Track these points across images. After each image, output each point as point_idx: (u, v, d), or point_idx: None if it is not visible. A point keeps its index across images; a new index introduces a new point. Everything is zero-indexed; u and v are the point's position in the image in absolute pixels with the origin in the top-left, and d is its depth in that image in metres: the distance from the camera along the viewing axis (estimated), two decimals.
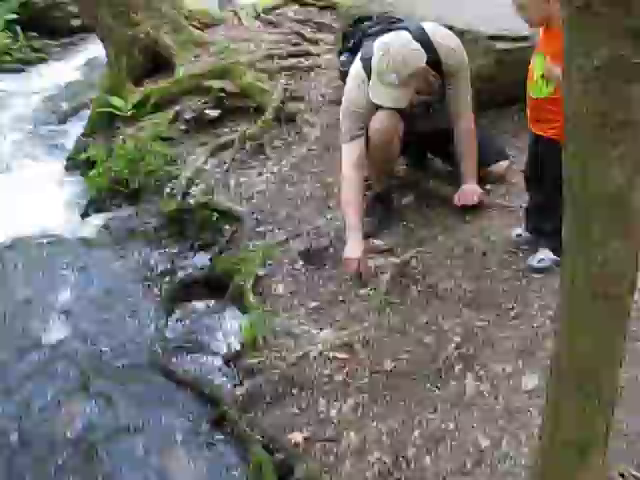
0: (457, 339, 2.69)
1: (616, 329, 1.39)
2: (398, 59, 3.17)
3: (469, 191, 3.48)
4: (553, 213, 2.88)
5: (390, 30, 3.42)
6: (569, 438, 1.49)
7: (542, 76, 2.78)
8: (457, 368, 2.55)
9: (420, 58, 3.23)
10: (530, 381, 2.37)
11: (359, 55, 3.47)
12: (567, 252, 1.40)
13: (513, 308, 2.76)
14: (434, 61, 3.33)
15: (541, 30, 2.81)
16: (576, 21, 1.21)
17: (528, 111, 2.96)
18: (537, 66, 2.79)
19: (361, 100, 3.40)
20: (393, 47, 3.20)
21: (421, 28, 3.39)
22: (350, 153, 3.47)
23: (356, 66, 3.45)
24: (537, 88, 2.82)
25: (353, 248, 3.29)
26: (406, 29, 3.35)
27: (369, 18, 3.81)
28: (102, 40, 6.40)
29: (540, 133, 2.89)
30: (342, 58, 3.84)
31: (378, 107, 3.37)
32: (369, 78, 3.34)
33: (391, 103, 3.28)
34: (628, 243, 1.29)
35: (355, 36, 3.71)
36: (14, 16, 10.46)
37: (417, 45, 3.22)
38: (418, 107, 3.52)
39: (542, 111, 2.83)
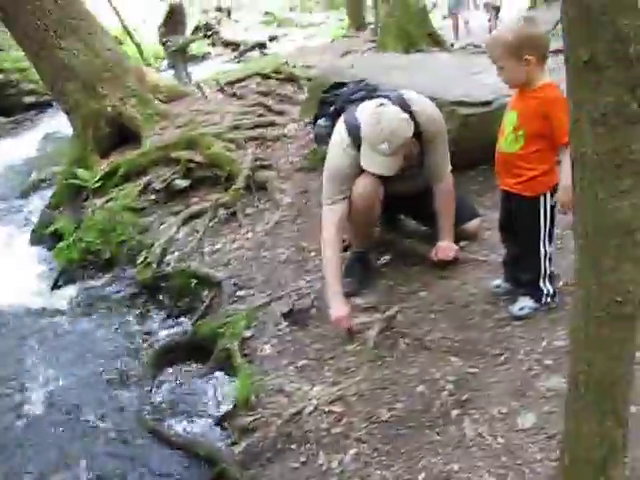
0: (450, 386, 2.77)
1: (629, 346, 1.52)
2: (390, 129, 3.28)
3: (446, 247, 3.63)
4: (529, 263, 3.06)
5: (372, 97, 3.60)
6: (589, 454, 1.59)
7: (512, 131, 2.95)
8: (454, 413, 2.62)
9: (409, 129, 3.35)
10: (526, 420, 2.46)
11: (342, 120, 3.57)
12: (580, 279, 1.53)
13: (500, 354, 2.86)
14: (414, 129, 3.41)
15: (516, 90, 2.99)
16: (583, 73, 1.37)
17: (497, 166, 3.08)
18: (509, 122, 2.96)
19: (345, 165, 3.49)
20: (385, 118, 3.31)
21: (401, 96, 3.53)
22: (332, 215, 3.53)
23: (340, 131, 3.54)
24: (507, 143, 2.98)
25: (339, 307, 3.37)
26: (387, 97, 3.50)
27: (344, 84, 4.00)
28: (67, 113, 6.52)
29: (508, 188, 3.05)
30: (320, 122, 3.97)
31: (361, 172, 3.47)
32: (354, 143, 3.44)
33: (384, 171, 3.38)
34: (637, 266, 1.44)
35: (337, 102, 3.85)
36: None
37: (406, 116, 3.35)
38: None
39: (512, 166, 2.97)
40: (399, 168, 3.41)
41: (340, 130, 3.55)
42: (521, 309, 3.07)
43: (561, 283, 3.11)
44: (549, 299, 3.03)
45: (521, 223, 3.04)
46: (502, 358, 2.85)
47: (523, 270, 3.10)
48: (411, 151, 3.49)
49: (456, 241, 3.71)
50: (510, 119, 2.96)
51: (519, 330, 2.97)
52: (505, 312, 3.12)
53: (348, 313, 3.36)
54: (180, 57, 9.87)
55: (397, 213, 4.13)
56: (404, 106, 3.45)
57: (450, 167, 3.67)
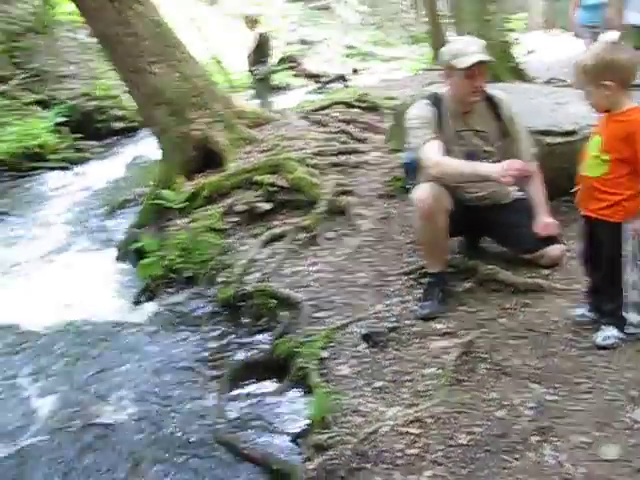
0: (530, 413, 2.72)
1: None
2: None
3: (547, 224, 3.75)
4: (613, 292, 2.99)
5: None
6: None
7: (596, 156, 2.92)
8: (533, 440, 2.57)
9: None
10: (610, 451, 2.39)
11: None
12: None
13: (583, 383, 2.80)
14: (494, 106, 3.82)
15: (602, 114, 2.97)
16: None
17: (579, 192, 3.07)
18: (593, 146, 2.94)
19: (428, 113, 3.75)
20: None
21: None
22: (431, 150, 3.67)
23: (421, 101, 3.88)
24: (591, 167, 2.95)
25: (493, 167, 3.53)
26: None
27: None
28: (156, 136, 6.73)
29: (591, 214, 3.01)
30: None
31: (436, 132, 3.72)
32: (433, 103, 3.79)
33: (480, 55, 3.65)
34: None
35: None
36: (64, 119, 11.05)
37: None
38: (467, 158, 3.76)
39: (594, 190, 2.95)
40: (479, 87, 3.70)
41: (421, 102, 3.87)
42: (605, 339, 3.01)
43: None
44: (634, 329, 2.96)
45: (604, 250, 2.99)
46: (585, 387, 2.79)
47: (606, 299, 3.05)
48: (480, 87, 3.74)
49: (539, 267, 3.70)
50: (594, 143, 2.94)
51: (603, 360, 2.91)
52: (588, 341, 3.06)
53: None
54: (265, 86, 10.12)
55: (477, 234, 4.14)
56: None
57: (535, 153, 3.82)
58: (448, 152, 3.69)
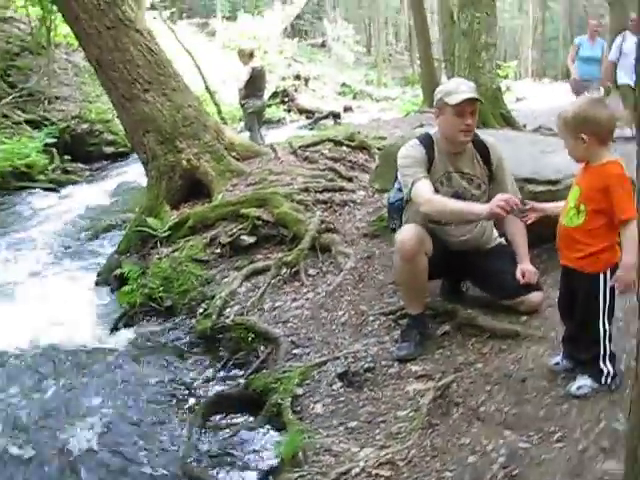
0: (501, 459, 2.70)
1: None
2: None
3: (528, 271, 3.73)
4: (588, 341, 3.00)
5: None
6: None
7: (574, 206, 2.96)
8: None
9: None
10: None
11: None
12: None
13: (556, 432, 2.79)
14: (483, 152, 3.87)
15: (582, 165, 3.03)
16: None
17: (559, 241, 3.09)
18: (572, 196, 2.98)
19: (417, 154, 3.80)
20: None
21: None
22: (423, 188, 3.70)
23: (412, 140, 3.93)
24: (569, 217, 2.99)
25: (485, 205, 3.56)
26: None
27: None
28: (144, 163, 6.75)
29: (568, 263, 3.04)
30: (391, 195, 4.11)
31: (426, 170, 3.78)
32: (423, 143, 3.84)
33: (468, 93, 3.70)
34: None
35: None
36: (54, 140, 11.07)
37: None
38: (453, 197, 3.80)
39: (571, 240, 2.98)
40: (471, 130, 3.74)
41: (412, 141, 3.91)
42: (579, 388, 3.00)
43: (622, 365, 3.03)
44: (609, 380, 2.96)
45: (580, 299, 3.01)
46: (557, 436, 2.78)
47: (582, 348, 3.05)
48: (471, 127, 3.74)
49: (517, 314, 3.72)
50: (573, 194, 2.99)
51: (576, 409, 2.90)
52: (563, 390, 3.05)
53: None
54: (257, 119, 10.20)
55: (459, 277, 4.16)
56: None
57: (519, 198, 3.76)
58: (436, 192, 3.73)
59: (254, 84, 10.03)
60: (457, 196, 3.79)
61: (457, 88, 3.72)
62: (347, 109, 20.77)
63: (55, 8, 9.95)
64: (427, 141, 3.84)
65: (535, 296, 3.81)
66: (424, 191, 3.68)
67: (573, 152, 2.97)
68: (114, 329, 5.24)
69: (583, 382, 3.02)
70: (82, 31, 6.45)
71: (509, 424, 2.94)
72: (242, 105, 10.24)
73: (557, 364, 3.23)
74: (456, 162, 3.84)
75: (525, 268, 3.74)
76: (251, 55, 10.27)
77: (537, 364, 3.32)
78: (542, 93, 22.02)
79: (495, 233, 4.06)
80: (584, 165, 3.00)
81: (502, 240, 4.04)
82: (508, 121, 8.94)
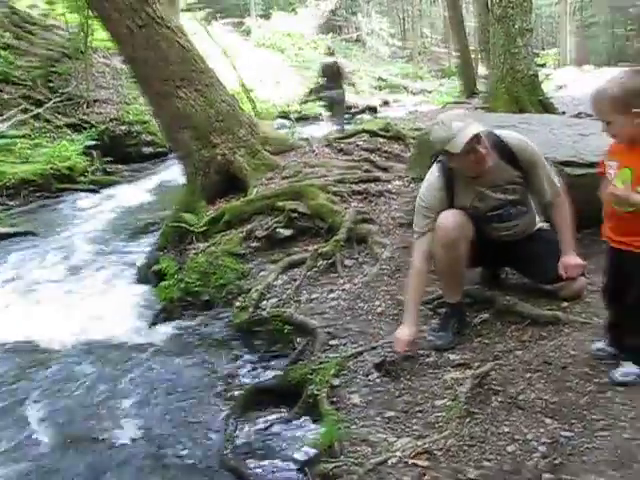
0: (542, 449, 2.63)
1: None
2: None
3: (572, 264, 3.60)
4: (635, 327, 2.90)
5: None
6: None
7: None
8: (545, 477, 2.48)
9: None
10: None
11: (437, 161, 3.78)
12: None
13: (600, 420, 2.71)
14: (510, 157, 3.64)
15: (619, 145, 2.87)
16: None
17: (607, 224, 2.96)
18: (621, 179, 2.79)
19: (435, 195, 3.67)
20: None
21: (490, 131, 3.71)
22: (419, 246, 3.67)
23: (433, 170, 3.74)
24: (622, 201, 2.82)
25: (403, 330, 3.57)
26: None
27: None
28: (181, 159, 6.78)
29: (621, 246, 2.91)
30: None
31: (447, 208, 3.63)
32: (444, 180, 3.66)
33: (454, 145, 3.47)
34: None
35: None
36: (94, 142, 11.24)
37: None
38: (494, 210, 3.67)
39: (627, 223, 2.83)
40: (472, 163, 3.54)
41: (433, 169, 3.72)
42: (624, 375, 2.91)
43: None
44: None
45: (634, 282, 2.88)
46: (601, 424, 2.69)
47: (627, 334, 2.95)
48: (483, 156, 3.55)
49: (559, 299, 3.62)
50: (623, 177, 2.80)
51: (621, 396, 2.82)
52: (607, 377, 2.96)
53: (410, 338, 3.53)
54: (338, 109, 10.78)
55: (498, 265, 4.06)
56: (493, 137, 3.63)
57: (561, 187, 3.71)
58: (473, 211, 3.65)
59: (332, 77, 10.88)
60: (495, 209, 3.70)
61: (453, 132, 3.45)
62: (384, 103, 20.67)
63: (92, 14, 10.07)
64: (448, 173, 3.67)
65: (580, 281, 3.70)
66: (417, 251, 3.70)
67: (622, 131, 2.77)
68: (153, 324, 5.27)
69: (628, 369, 2.92)
70: (115, 31, 6.51)
71: (550, 412, 2.86)
72: (320, 98, 10.95)
73: (600, 350, 3.14)
74: (483, 180, 3.69)
75: (567, 262, 3.59)
76: (332, 52, 11.13)
77: (579, 351, 3.23)
78: (584, 80, 21.58)
79: (538, 218, 3.95)
80: (626, 145, 2.83)
81: (546, 225, 3.92)
82: (546, 108, 8.78)
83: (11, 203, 9.44)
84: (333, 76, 11.09)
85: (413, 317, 3.59)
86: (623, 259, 2.91)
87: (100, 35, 13.53)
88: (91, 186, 10.45)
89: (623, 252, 2.89)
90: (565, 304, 3.66)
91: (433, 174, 3.71)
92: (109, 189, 10.53)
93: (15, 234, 7.97)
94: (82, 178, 10.62)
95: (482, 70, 19.05)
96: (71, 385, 4.30)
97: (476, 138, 3.46)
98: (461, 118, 3.55)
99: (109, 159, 11.62)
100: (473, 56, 18.09)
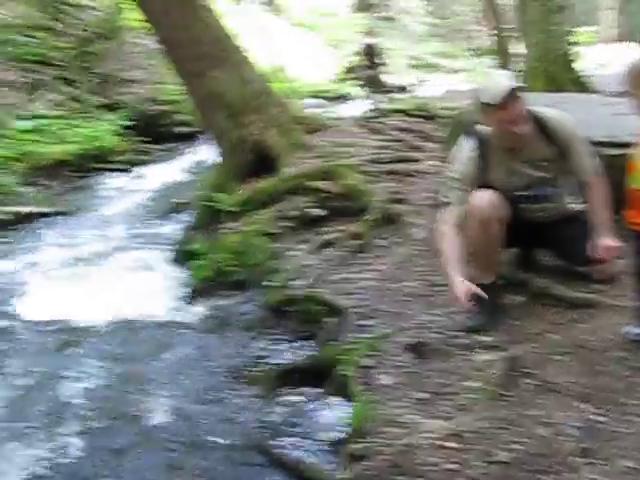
0: (575, 433, 2.60)
1: None
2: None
3: (606, 245, 3.46)
4: None
5: None
6: None
7: None
8: (578, 462, 2.45)
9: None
10: None
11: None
12: None
13: (635, 405, 2.67)
14: (548, 132, 3.58)
15: None
16: None
17: (631, 204, 2.92)
18: None
19: (469, 166, 3.62)
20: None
21: (528, 108, 3.61)
22: (448, 218, 3.59)
23: (463, 140, 3.71)
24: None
25: (457, 284, 3.44)
26: None
27: None
28: (215, 139, 6.79)
29: None
30: None
31: (481, 185, 3.56)
32: (478, 146, 3.61)
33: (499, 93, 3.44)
34: None
35: None
36: (129, 122, 11.30)
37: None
38: (527, 189, 3.61)
39: None
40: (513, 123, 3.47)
41: (466, 140, 3.68)
42: None
43: None
44: None
45: None
46: (636, 409, 2.65)
47: None
48: (524, 117, 3.50)
49: (595, 282, 3.55)
50: None
51: None
52: None
53: (469, 288, 3.40)
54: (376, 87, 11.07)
55: (533, 246, 4.01)
56: (531, 112, 3.55)
57: (598, 167, 3.61)
58: (506, 186, 3.59)
59: (370, 57, 11.26)
60: (528, 187, 3.64)
61: (494, 84, 3.48)
62: (419, 82, 20.45)
63: None
64: (481, 141, 3.65)
65: (612, 263, 3.63)
66: (445, 219, 3.61)
67: None
68: (187, 303, 5.30)
69: None
70: (148, 10, 6.52)
71: (584, 397, 2.82)
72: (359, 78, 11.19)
73: (636, 335, 3.08)
74: (518, 153, 3.65)
75: (603, 244, 3.48)
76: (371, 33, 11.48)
77: (615, 334, 3.18)
78: (625, 58, 21.08)
79: (574, 200, 3.86)
80: None
81: (583, 206, 3.84)
82: (584, 86, 8.60)
83: (48, 183, 9.54)
84: (372, 56, 11.32)
85: (460, 271, 3.49)
86: None
87: (134, 15, 13.58)
88: (126, 166, 10.49)
89: None
90: (601, 287, 3.59)
91: (466, 143, 3.67)
92: (143, 169, 10.55)
93: (52, 213, 8.06)
94: (117, 158, 10.67)
95: (520, 49, 18.72)
96: (104, 363, 4.36)
97: (514, 92, 3.44)
98: (507, 75, 3.57)
99: (143, 139, 11.65)
100: (508, 34, 17.77)
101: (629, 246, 3.78)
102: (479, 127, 3.66)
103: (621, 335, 3.13)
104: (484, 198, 3.53)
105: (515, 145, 3.61)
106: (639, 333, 3.06)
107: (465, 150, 3.66)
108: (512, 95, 3.42)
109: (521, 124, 3.51)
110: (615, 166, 4.08)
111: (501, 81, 3.49)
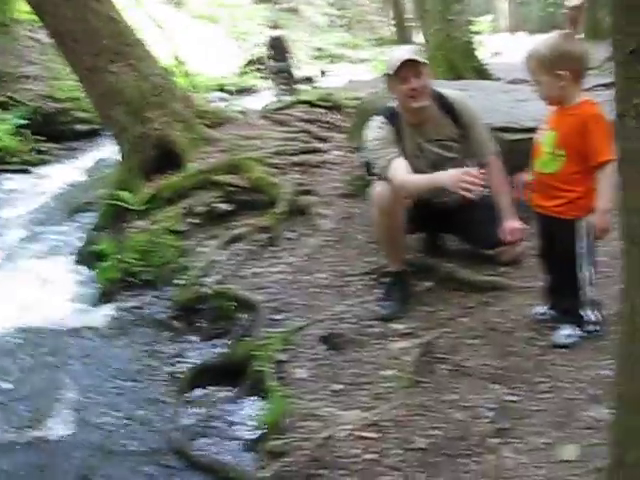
0: (489, 414, 2.65)
1: None
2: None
3: (513, 227, 3.58)
4: (569, 290, 2.93)
5: None
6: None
7: (551, 152, 2.86)
8: (493, 442, 2.50)
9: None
10: (569, 452, 2.33)
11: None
12: (626, 290, 1.42)
13: (543, 383, 2.75)
14: (451, 112, 3.68)
15: (553, 108, 2.92)
16: (629, 63, 1.28)
17: (533, 188, 3.01)
18: (547, 142, 2.88)
19: (385, 133, 3.64)
20: None
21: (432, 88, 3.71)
22: (396, 169, 3.55)
23: (373, 119, 3.74)
24: (545, 164, 2.89)
25: (444, 174, 3.37)
26: None
27: None
28: (115, 136, 6.58)
29: (546, 211, 2.95)
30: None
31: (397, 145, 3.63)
32: (388, 119, 3.67)
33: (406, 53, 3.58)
34: None
35: None
36: (25, 121, 10.84)
37: None
38: (435, 169, 3.66)
39: (548, 187, 2.91)
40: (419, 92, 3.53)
41: (377, 118, 3.73)
42: (564, 337, 2.96)
43: (608, 312, 2.96)
44: (593, 327, 2.90)
45: (560, 247, 2.94)
46: (545, 387, 2.73)
47: (564, 297, 2.99)
48: (425, 92, 3.58)
49: (499, 265, 3.63)
50: (548, 139, 2.88)
51: (563, 358, 2.86)
52: (548, 340, 3.00)
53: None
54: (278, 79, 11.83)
55: (438, 231, 4.07)
56: (435, 92, 3.66)
57: (496, 150, 3.71)
58: (412, 166, 3.60)
59: (277, 51, 11.23)
60: (434, 166, 3.66)
61: (396, 56, 3.56)
62: (323, 73, 20.52)
63: None
64: (391, 116, 3.69)
65: (517, 245, 3.72)
66: (397, 173, 3.55)
67: (548, 92, 2.85)
68: (94, 306, 5.13)
69: (568, 331, 2.97)
70: (38, 3, 6.23)
71: (496, 378, 2.89)
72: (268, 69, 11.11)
73: (541, 314, 3.18)
74: (424, 130, 3.71)
75: (509, 226, 3.60)
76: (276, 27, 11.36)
77: (522, 315, 3.27)
78: (518, 47, 21.79)
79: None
80: (557, 109, 2.89)
81: (487, 191, 3.92)
82: (482, 74, 8.83)
83: None
84: (279, 49, 11.22)
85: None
86: (548, 224, 3.00)
87: (24, 7, 13.03)
88: (24, 167, 10.08)
89: (548, 218, 2.95)
90: (506, 269, 3.69)
91: (377, 122, 3.71)
92: (42, 169, 10.16)
93: None
94: (14, 159, 10.23)
95: (419, 38, 19.03)
96: (7, 376, 4.14)
97: (416, 66, 3.51)
98: (410, 49, 3.72)
99: (41, 138, 11.21)
100: (409, 24, 18.07)
101: (533, 228, 3.93)
102: (390, 104, 3.72)
103: (529, 316, 3.21)
104: (385, 186, 3.55)
105: (418, 120, 3.67)
106: (545, 312, 3.14)
107: (379, 121, 3.70)
108: (410, 66, 3.48)
109: (420, 98, 3.55)
110: (516, 150, 4.19)
111: (401, 53, 3.56)
